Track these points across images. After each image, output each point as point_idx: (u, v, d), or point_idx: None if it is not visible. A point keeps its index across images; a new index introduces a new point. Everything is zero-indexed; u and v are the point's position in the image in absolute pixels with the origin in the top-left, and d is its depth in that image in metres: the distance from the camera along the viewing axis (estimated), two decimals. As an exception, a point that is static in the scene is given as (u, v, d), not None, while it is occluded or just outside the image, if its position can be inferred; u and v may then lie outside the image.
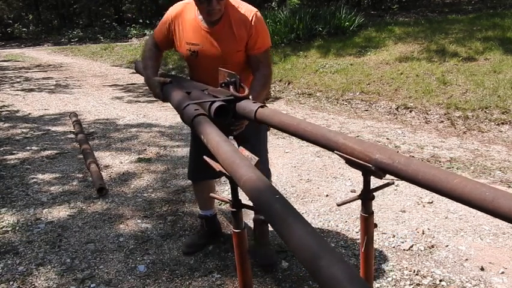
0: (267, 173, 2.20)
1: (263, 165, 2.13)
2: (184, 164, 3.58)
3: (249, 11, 1.85)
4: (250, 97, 1.69)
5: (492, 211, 0.84)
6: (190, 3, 1.88)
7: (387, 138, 4.12)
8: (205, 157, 1.36)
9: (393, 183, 1.32)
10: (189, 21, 1.91)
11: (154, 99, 6.51)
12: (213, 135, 1.30)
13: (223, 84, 1.80)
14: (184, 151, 3.93)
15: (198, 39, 1.90)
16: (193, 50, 1.93)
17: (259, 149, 2.10)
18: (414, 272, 2.02)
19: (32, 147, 4.12)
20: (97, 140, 4.37)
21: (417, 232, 2.37)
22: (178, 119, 4.40)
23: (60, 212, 2.73)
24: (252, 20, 1.84)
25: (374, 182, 1.28)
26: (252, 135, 2.02)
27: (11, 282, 2.01)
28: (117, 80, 8.77)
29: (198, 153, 2.20)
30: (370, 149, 1.14)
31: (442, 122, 4.57)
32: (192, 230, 2.47)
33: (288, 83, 6.80)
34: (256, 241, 2.18)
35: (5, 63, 12.80)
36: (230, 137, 2.12)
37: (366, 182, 1.29)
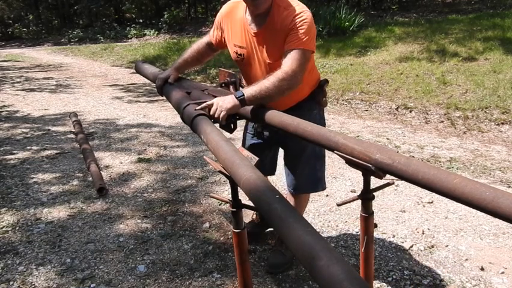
0: (312, 185, 2.04)
1: (307, 177, 1.99)
2: (184, 164, 3.58)
3: (295, 11, 1.63)
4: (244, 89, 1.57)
5: (492, 211, 0.84)
6: (241, 2, 1.76)
7: (387, 138, 4.12)
8: (205, 157, 1.36)
9: (393, 183, 1.32)
10: (238, 22, 1.78)
11: (154, 99, 6.53)
12: (212, 135, 1.30)
13: (223, 84, 1.80)
14: (184, 151, 3.93)
15: (244, 42, 1.76)
16: (240, 53, 1.80)
17: (308, 160, 1.98)
18: (414, 272, 2.02)
19: (32, 147, 4.12)
20: (97, 140, 4.37)
21: (417, 232, 2.37)
22: (178, 119, 4.41)
23: (60, 212, 2.72)
24: (293, 18, 1.61)
25: (374, 182, 1.28)
26: (299, 149, 1.94)
27: (11, 282, 2.00)
28: (117, 80, 8.77)
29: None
30: (370, 149, 1.15)
31: (442, 122, 4.57)
32: (192, 230, 2.47)
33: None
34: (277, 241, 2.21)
35: (5, 63, 12.80)
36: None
37: (366, 182, 1.29)
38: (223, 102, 1.54)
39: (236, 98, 1.54)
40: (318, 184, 2.04)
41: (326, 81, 1.90)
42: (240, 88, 1.75)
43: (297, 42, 1.59)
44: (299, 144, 1.90)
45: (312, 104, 1.89)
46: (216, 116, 1.55)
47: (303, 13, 1.62)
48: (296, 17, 1.61)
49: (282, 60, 1.63)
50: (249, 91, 1.56)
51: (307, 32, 1.60)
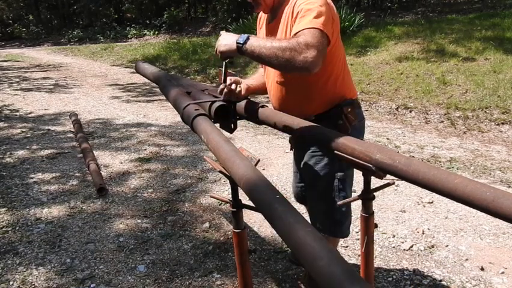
0: (328, 228, 1.63)
1: (323, 218, 1.64)
2: (184, 163, 3.58)
3: None
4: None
5: (492, 211, 0.84)
6: None
7: (387, 138, 4.12)
8: (205, 156, 1.36)
9: (393, 183, 1.32)
10: (262, 22, 1.70)
11: (154, 98, 6.51)
12: (213, 135, 1.29)
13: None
14: (184, 151, 3.93)
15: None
16: None
17: (324, 195, 1.60)
18: (414, 272, 2.02)
19: (32, 147, 4.12)
20: (96, 139, 4.37)
21: (417, 232, 2.37)
22: (178, 118, 4.39)
23: (60, 212, 2.72)
24: (296, 1, 1.42)
25: (374, 182, 1.28)
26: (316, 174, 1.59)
27: (11, 282, 2.00)
28: (117, 80, 8.76)
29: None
30: (370, 149, 1.15)
31: (442, 122, 4.57)
32: (192, 230, 2.47)
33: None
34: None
35: (5, 63, 12.80)
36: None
37: (367, 182, 1.29)
38: (222, 41, 1.39)
39: (236, 41, 1.35)
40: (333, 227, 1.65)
41: (352, 103, 1.53)
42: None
43: (303, 23, 1.32)
44: (309, 174, 1.64)
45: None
46: (215, 52, 1.43)
47: None
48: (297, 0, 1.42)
49: None
50: (252, 41, 1.33)
51: (310, 9, 1.34)
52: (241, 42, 1.33)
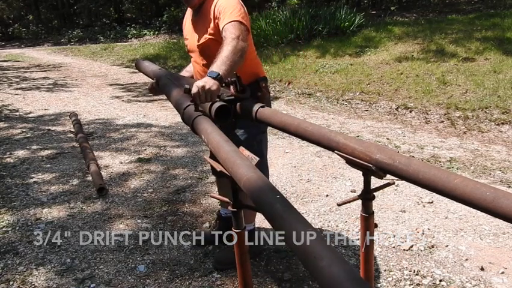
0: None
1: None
2: (184, 164, 3.58)
3: None
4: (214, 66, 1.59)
5: (493, 211, 0.84)
6: None
7: (387, 138, 4.12)
8: (205, 157, 1.36)
9: (393, 183, 1.32)
10: (187, 19, 2.00)
11: (155, 98, 6.51)
12: (213, 135, 1.30)
13: (223, 84, 1.80)
14: (184, 151, 3.93)
15: (187, 33, 1.96)
16: (186, 44, 1.99)
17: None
18: (414, 272, 2.02)
19: (32, 147, 4.12)
20: (96, 139, 4.37)
21: (417, 232, 2.37)
22: (178, 118, 4.40)
23: (60, 212, 2.72)
24: (216, 3, 1.76)
25: (374, 182, 1.28)
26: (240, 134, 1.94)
27: (11, 282, 2.00)
28: (117, 80, 8.76)
29: None
30: (370, 149, 1.15)
31: (442, 122, 4.57)
32: (192, 230, 2.47)
33: (288, 83, 6.81)
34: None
35: (5, 64, 12.79)
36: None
37: (367, 182, 1.29)
38: (209, 86, 1.53)
39: (214, 78, 1.55)
40: None
41: (265, 79, 1.94)
42: (239, 86, 1.74)
43: (226, 18, 1.69)
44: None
45: None
46: (205, 99, 1.54)
47: None
48: (218, 1, 1.75)
49: (207, 42, 1.80)
50: (219, 68, 1.57)
51: (231, 8, 1.71)
52: (218, 73, 1.56)
